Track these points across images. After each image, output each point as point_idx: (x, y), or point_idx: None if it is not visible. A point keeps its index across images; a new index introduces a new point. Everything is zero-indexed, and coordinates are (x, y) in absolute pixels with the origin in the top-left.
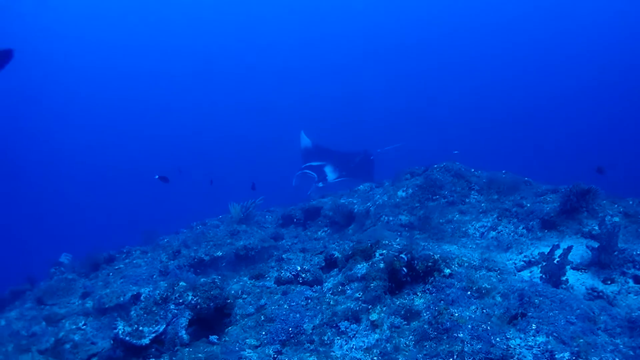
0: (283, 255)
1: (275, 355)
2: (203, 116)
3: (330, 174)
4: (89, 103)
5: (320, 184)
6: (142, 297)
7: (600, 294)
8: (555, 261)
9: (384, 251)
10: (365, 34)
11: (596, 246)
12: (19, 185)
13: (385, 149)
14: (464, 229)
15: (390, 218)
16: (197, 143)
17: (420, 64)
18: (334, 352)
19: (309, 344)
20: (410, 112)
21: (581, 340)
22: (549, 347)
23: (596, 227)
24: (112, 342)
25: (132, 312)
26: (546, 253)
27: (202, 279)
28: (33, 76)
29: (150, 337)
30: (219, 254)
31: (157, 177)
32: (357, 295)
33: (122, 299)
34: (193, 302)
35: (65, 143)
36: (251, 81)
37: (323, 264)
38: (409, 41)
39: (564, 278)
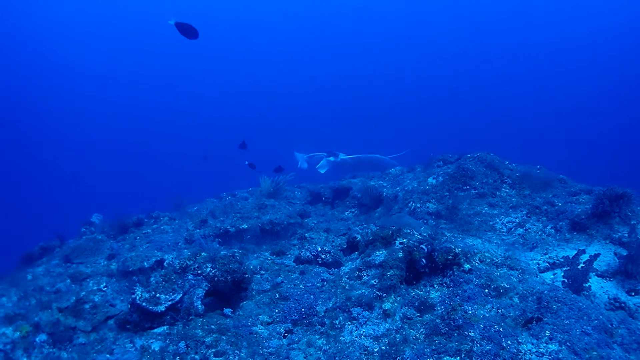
0: (306, 234)
1: (286, 334)
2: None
3: (342, 154)
4: (126, 78)
5: (332, 158)
6: (165, 264)
7: (622, 305)
8: (579, 266)
9: (405, 240)
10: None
11: (624, 254)
12: (59, 148)
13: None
14: (491, 223)
15: (418, 205)
16: (230, 117)
17: (457, 56)
18: (343, 336)
19: (319, 326)
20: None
21: (594, 352)
22: (560, 356)
23: (627, 235)
24: (129, 306)
25: (152, 279)
26: (571, 257)
27: (222, 252)
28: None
29: (167, 305)
30: (245, 226)
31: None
32: (372, 282)
33: (145, 264)
34: (211, 274)
35: (107, 112)
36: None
37: (345, 246)
38: (441, 32)
39: (586, 285)
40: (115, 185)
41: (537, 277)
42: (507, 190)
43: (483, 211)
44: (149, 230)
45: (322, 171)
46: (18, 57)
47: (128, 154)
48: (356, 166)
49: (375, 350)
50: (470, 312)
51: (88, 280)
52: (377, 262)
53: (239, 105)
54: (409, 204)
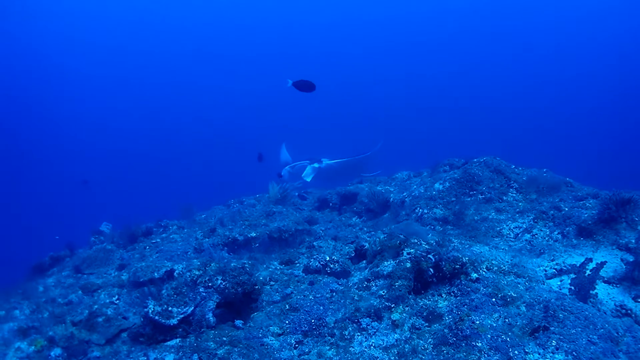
0: (314, 243)
1: (296, 345)
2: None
3: (326, 159)
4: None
5: (317, 165)
6: (175, 274)
7: (629, 311)
8: (586, 274)
9: (412, 250)
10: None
11: (631, 260)
12: (66, 155)
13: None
14: (498, 229)
15: (425, 211)
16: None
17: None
18: (353, 347)
19: (329, 337)
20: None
21: None
22: None
23: (633, 241)
24: (142, 319)
25: (164, 292)
26: (578, 265)
27: (232, 264)
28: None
29: (179, 318)
30: (253, 234)
31: (297, 194)
32: (381, 292)
33: (156, 274)
34: (222, 286)
35: (114, 120)
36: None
37: (353, 254)
38: (448, 33)
39: (593, 292)
40: (122, 192)
41: (544, 284)
42: (514, 195)
43: (490, 217)
44: (158, 240)
45: (308, 179)
46: (26, 64)
47: (133, 161)
48: (342, 170)
49: None
50: (477, 322)
51: (99, 291)
52: (385, 272)
53: (244, 112)
54: (416, 210)
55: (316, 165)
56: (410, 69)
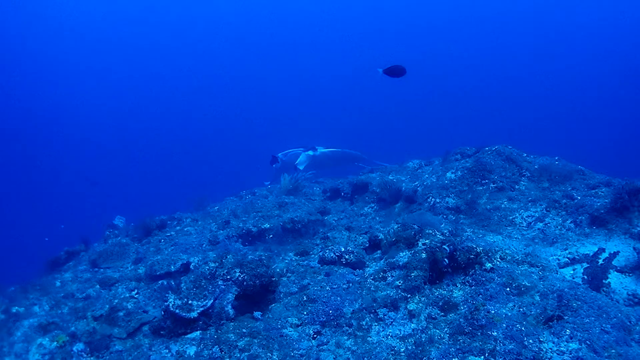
0: (328, 234)
1: (315, 336)
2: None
3: (321, 148)
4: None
5: (311, 152)
6: (191, 267)
7: None
8: (599, 263)
9: (427, 241)
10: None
11: None
12: (79, 151)
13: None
14: (510, 218)
15: (437, 200)
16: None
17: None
18: (370, 337)
19: (347, 327)
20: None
21: (613, 350)
22: (580, 354)
23: None
24: (163, 313)
25: (183, 285)
26: (591, 254)
27: (249, 256)
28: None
29: (199, 311)
30: (267, 225)
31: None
32: (397, 283)
33: (172, 267)
34: (240, 278)
35: (123, 113)
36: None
37: (367, 245)
38: (456, 23)
39: (606, 281)
40: (134, 185)
41: (557, 273)
42: (526, 184)
43: (502, 205)
44: (172, 233)
45: (302, 167)
46: (31, 60)
47: (145, 155)
48: (335, 159)
49: (402, 350)
50: (492, 311)
51: (117, 285)
52: (401, 263)
53: (253, 104)
54: (429, 199)
55: (310, 152)
56: (418, 56)
